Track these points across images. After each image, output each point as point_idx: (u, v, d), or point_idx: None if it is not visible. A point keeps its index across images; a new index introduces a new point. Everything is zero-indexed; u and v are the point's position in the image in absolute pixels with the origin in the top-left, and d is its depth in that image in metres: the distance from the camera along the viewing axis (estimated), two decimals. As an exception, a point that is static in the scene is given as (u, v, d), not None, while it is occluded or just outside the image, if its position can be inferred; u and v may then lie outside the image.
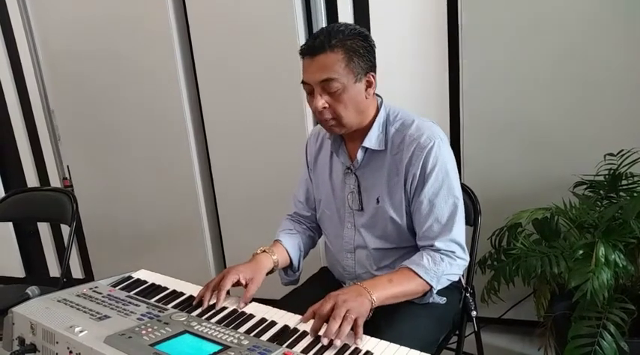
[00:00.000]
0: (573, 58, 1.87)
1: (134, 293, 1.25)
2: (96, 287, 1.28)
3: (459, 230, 1.31)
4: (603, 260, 1.45)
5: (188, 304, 1.19)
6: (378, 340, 1.03)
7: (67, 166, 2.86)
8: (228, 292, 1.22)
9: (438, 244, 1.28)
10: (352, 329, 1.05)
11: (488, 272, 1.86)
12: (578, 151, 1.91)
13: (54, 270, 3.17)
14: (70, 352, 1.02)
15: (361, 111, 1.30)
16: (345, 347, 1.01)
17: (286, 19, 2.15)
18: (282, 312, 1.14)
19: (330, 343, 1.01)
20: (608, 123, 1.87)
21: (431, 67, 2.12)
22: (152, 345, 0.97)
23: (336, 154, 1.42)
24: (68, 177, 2.87)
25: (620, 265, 1.47)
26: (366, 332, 1.06)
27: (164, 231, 2.68)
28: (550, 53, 1.89)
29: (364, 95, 1.28)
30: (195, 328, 1.06)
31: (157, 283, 1.31)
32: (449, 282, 1.31)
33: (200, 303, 1.19)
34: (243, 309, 1.17)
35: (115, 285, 1.31)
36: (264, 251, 1.38)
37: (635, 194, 1.68)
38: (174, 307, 1.18)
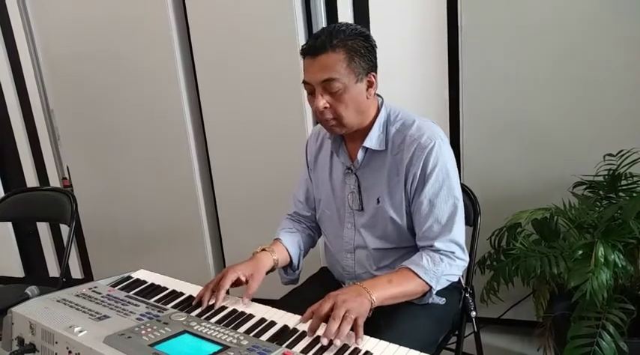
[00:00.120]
0: (573, 58, 1.87)
1: (133, 294, 1.25)
2: (95, 287, 1.28)
3: (459, 230, 1.31)
4: (602, 260, 1.45)
5: (188, 304, 1.19)
6: (378, 340, 1.03)
7: (67, 166, 2.86)
8: (227, 292, 1.22)
9: (437, 244, 1.28)
10: (352, 329, 1.04)
11: (488, 272, 1.86)
12: (578, 151, 1.91)
13: (53, 270, 3.17)
14: (70, 352, 1.01)
15: (362, 112, 1.30)
16: (344, 347, 1.01)
17: (286, 19, 2.15)
18: (282, 312, 1.14)
19: (330, 343, 1.01)
20: (607, 123, 1.88)
21: (431, 68, 2.12)
22: (151, 345, 0.97)
23: (337, 154, 1.42)
24: (68, 177, 2.87)
25: (620, 265, 1.47)
26: (365, 333, 1.05)
27: (164, 232, 2.68)
28: (550, 53, 1.89)
29: (365, 95, 1.28)
30: (195, 328, 1.06)
31: (157, 283, 1.31)
32: (448, 283, 1.31)
33: (199, 303, 1.19)
34: (243, 309, 1.17)
35: (114, 285, 1.31)
36: (264, 249, 1.38)
37: (634, 194, 1.68)
38: (174, 307, 1.18)
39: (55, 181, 2.99)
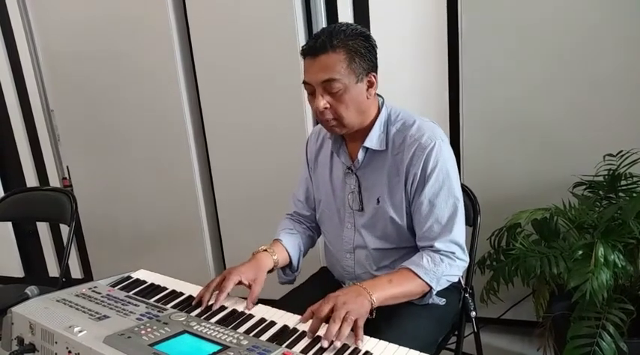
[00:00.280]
0: (573, 58, 1.87)
1: (133, 293, 1.25)
2: (95, 287, 1.28)
3: (459, 231, 1.31)
4: (602, 260, 1.45)
5: (187, 304, 1.19)
6: (378, 340, 1.03)
7: (67, 166, 2.86)
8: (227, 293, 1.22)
9: (437, 245, 1.28)
10: (352, 330, 1.04)
11: (488, 272, 1.86)
12: (578, 151, 1.91)
13: (53, 270, 3.17)
14: (69, 352, 1.01)
15: (362, 112, 1.30)
16: (344, 347, 1.01)
17: (286, 19, 2.15)
18: (282, 312, 1.14)
19: (330, 344, 1.01)
20: (607, 123, 1.88)
21: (431, 67, 2.12)
22: (151, 345, 0.97)
23: (337, 154, 1.42)
24: (68, 177, 2.87)
25: (620, 265, 1.47)
26: (365, 333, 1.05)
27: (164, 232, 2.68)
28: (550, 53, 1.89)
29: (365, 95, 1.28)
30: (195, 328, 1.06)
31: (157, 283, 1.31)
32: (448, 283, 1.31)
33: (199, 303, 1.18)
34: (242, 309, 1.16)
35: (114, 285, 1.31)
36: (264, 250, 1.38)
37: (634, 194, 1.68)
38: (174, 307, 1.18)
39: (55, 181, 2.99)
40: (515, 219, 1.71)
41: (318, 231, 1.60)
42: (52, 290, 1.26)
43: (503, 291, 1.84)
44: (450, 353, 1.53)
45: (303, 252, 1.52)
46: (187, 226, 2.61)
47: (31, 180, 3.02)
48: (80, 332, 1.03)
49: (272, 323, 1.10)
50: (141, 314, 1.12)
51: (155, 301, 1.21)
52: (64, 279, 2.05)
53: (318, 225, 1.58)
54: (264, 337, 1.04)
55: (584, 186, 1.81)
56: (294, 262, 1.46)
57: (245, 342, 0.99)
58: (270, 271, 1.37)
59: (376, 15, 2.15)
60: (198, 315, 1.14)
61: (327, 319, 1.06)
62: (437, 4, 2.05)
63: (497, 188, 2.04)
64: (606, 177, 1.74)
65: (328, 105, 1.25)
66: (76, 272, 3.09)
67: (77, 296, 1.22)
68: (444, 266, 1.27)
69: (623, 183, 1.73)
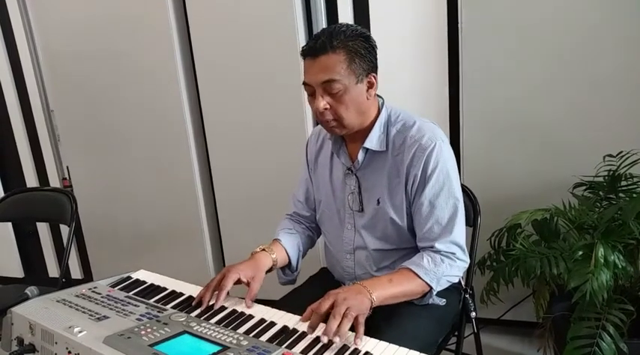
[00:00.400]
0: (573, 58, 1.87)
1: (133, 294, 1.25)
2: (95, 287, 1.28)
3: (460, 231, 1.31)
4: (602, 261, 1.45)
5: (187, 304, 1.19)
6: (378, 340, 1.03)
7: (67, 167, 2.86)
8: (227, 292, 1.22)
9: (438, 246, 1.28)
10: (352, 327, 1.04)
11: (488, 273, 1.86)
12: (578, 152, 1.91)
13: (53, 270, 3.17)
14: (69, 352, 1.01)
15: (362, 113, 1.30)
16: (344, 347, 1.01)
17: (286, 19, 2.15)
18: (282, 313, 1.14)
19: (330, 342, 1.01)
20: (607, 123, 1.88)
21: (431, 67, 2.12)
22: (151, 346, 0.97)
23: (337, 155, 1.42)
24: (68, 178, 2.86)
25: (620, 266, 1.47)
26: (365, 333, 1.05)
27: (164, 232, 2.68)
28: (550, 53, 1.89)
29: (365, 96, 1.28)
30: (195, 328, 1.06)
31: (156, 283, 1.31)
32: (449, 284, 1.31)
33: (199, 304, 1.18)
34: (242, 309, 1.16)
35: (114, 286, 1.31)
36: (263, 249, 1.38)
37: (634, 195, 1.68)
38: (174, 307, 1.18)
39: (54, 181, 2.98)
40: (516, 219, 1.71)
41: (317, 231, 1.60)
42: (52, 291, 1.26)
43: (503, 292, 1.84)
44: (450, 353, 1.53)
45: (303, 252, 1.52)
46: (187, 226, 2.61)
47: (31, 180, 3.02)
48: (80, 332, 1.03)
49: (272, 324, 1.09)
50: (141, 315, 1.12)
51: (155, 301, 1.21)
52: (64, 280, 2.05)
53: (318, 226, 1.58)
54: (264, 337, 1.04)
55: (584, 187, 1.81)
56: (294, 262, 1.46)
57: (245, 343, 0.99)
58: (269, 271, 1.37)
59: (376, 15, 2.15)
60: (198, 316, 1.14)
61: (328, 316, 1.06)
62: (437, 4, 2.05)
63: (498, 188, 2.04)
64: (606, 177, 1.74)
65: (328, 106, 1.25)
66: (76, 272, 3.09)
67: (77, 296, 1.22)
68: (444, 266, 1.27)
69: (623, 183, 1.72)
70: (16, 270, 3.17)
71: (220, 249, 2.67)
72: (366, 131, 1.34)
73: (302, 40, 2.16)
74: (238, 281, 1.26)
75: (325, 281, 1.56)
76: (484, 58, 1.96)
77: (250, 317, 1.13)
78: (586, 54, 1.85)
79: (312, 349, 1.00)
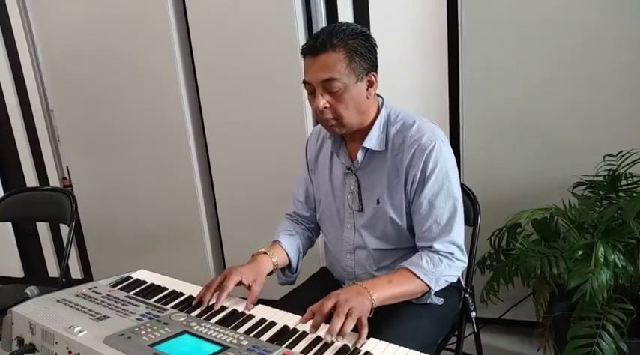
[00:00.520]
0: (573, 58, 1.87)
1: (133, 294, 1.25)
2: (95, 287, 1.28)
3: (458, 232, 1.31)
4: (602, 260, 1.45)
5: (188, 304, 1.19)
6: (378, 340, 1.03)
7: (67, 166, 2.86)
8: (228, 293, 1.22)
9: (437, 246, 1.28)
10: (355, 328, 1.04)
11: (488, 272, 1.86)
12: (578, 152, 1.91)
13: (53, 270, 3.17)
14: (70, 352, 1.01)
15: (362, 112, 1.30)
16: (344, 347, 1.01)
17: (286, 19, 2.15)
18: (282, 312, 1.14)
19: (331, 342, 1.01)
20: (607, 123, 1.88)
21: (431, 67, 2.12)
22: (151, 345, 0.97)
23: (337, 154, 1.42)
24: (67, 177, 2.86)
25: (620, 265, 1.47)
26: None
27: (164, 231, 2.68)
28: (550, 53, 1.89)
29: (365, 95, 1.28)
30: (195, 328, 1.06)
31: (157, 283, 1.31)
32: (447, 283, 1.31)
33: (199, 303, 1.18)
34: (242, 309, 1.16)
35: (114, 285, 1.31)
36: (264, 253, 1.38)
37: (634, 194, 1.68)
38: (174, 307, 1.18)
39: (54, 181, 2.99)
40: (516, 219, 1.71)
41: (317, 231, 1.60)
42: (52, 291, 1.26)
43: (503, 291, 1.84)
44: (450, 353, 1.53)
45: (302, 253, 1.52)
46: (187, 226, 2.61)
47: (31, 180, 3.02)
48: (80, 332, 1.03)
49: (272, 324, 1.09)
50: (141, 315, 1.12)
51: (155, 301, 1.21)
52: (64, 279, 2.05)
53: (318, 226, 1.58)
54: (265, 337, 1.04)
55: (584, 186, 1.81)
56: (293, 263, 1.46)
57: (245, 342, 0.99)
58: (269, 274, 1.37)
59: (376, 15, 2.15)
60: (199, 315, 1.14)
61: (329, 316, 1.06)
62: (437, 4, 2.05)
63: (498, 188, 2.04)
64: (606, 177, 1.74)
65: (328, 105, 1.25)
66: (76, 272, 3.09)
67: (77, 296, 1.22)
68: (442, 266, 1.27)
69: (623, 183, 1.73)
70: (16, 270, 3.17)
71: (220, 248, 2.67)
72: (365, 130, 1.34)
73: (302, 40, 2.16)
74: (239, 283, 1.26)
75: (325, 280, 1.56)
76: (484, 58, 1.96)
77: (250, 316, 1.13)
78: (586, 54, 1.85)
79: (312, 349, 1.00)
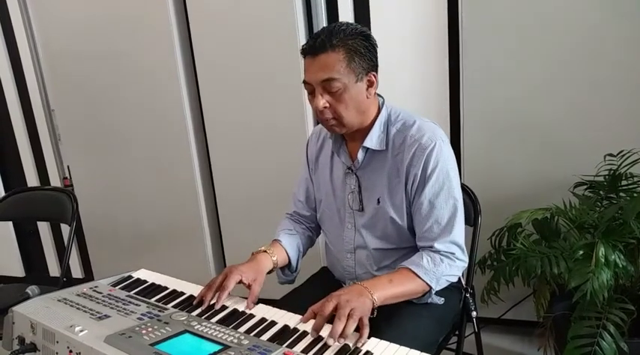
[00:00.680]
0: (573, 58, 1.87)
1: (134, 293, 1.25)
2: (96, 286, 1.29)
3: (459, 231, 1.31)
4: (603, 260, 1.45)
5: (188, 304, 1.19)
6: (378, 340, 1.03)
7: (67, 166, 2.86)
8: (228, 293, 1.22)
9: (437, 246, 1.29)
10: (357, 329, 1.05)
11: (488, 272, 1.86)
12: (579, 151, 1.91)
13: (54, 270, 3.17)
14: (70, 351, 1.02)
15: (362, 111, 1.30)
16: (345, 347, 1.01)
17: (287, 18, 2.15)
18: (283, 312, 1.14)
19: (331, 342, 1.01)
20: (608, 123, 1.88)
21: (431, 67, 2.12)
22: (152, 345, 0.97)
23: (337, 154, 1.42)
24: (68, 177, 2.87)
25: (620, 265, 1.47)
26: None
27: (164, 231, 2.69)
28: (550, 53, 1.89)
29: (365, 95, 1.28)
30: (196, 328, 1.06)
31: (157, 283, 1.31)
32: (448, 283, 1.31)
33: (200, 303, 1.18)
34: (243, 309, 1.17)
35: (115, 285, 1.31)
36: (264, 251, 1.38)
37: (635, 194, 1.68)
38: (175, 307, 1.18)
39: (55, 181, 2.99)
40: (516, 218, 1.71)
41: (317, 231, 1.60)
42: (53, 290, 1.26)
43: (503, 291, 1.84)
44: (450, 353, 1.53)
45: (302, 252, 1.52)
46: (188, 225, 2.62)
47: (32, 179, 3.02)
48: (81, 331, 1.03)
49: (273, 323, 1.10)
50: (142, 314, 1.12)
51: (156, 301, 1.21)
52: (64, 279, 2.05)
53: (318, 225, 1.58)
54: (265, 337, 1.04)
55: (584, 186, 1.81)
56: (293, 262, 1.46)
57: (246, 342, 0.99)
58: (269, 272, 1.37)
59: (377, 14, 2.15)
60: (199, 315, 1.14)
61: (331, 317, 1.06)
62: (437, 4, 2.05)
63: (498, 188, 2.04)
64: (607, 177, 1.74)
65: (328, 105, 1.25)
66: (76, 271, 3.09)
67: (78, 295, 1.22)
68: (443, 266, 1.27)
69: (623, 183, 1.73)
70: (16, 270, 3.17)
71: (221, 248, 2.67)
72: (366, 130, 1.34)
73: (302, 40, 2.16)
74: (239, 282, 1.26)
75: (326, 280, 1.56)
76: (484, 58, 1.96)
77: (251, 316, 1.13)
78: (586, 54, 1.85)
79: (312, 348, 1.00)
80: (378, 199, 1.36)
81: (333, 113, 1.26)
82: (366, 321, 1.06)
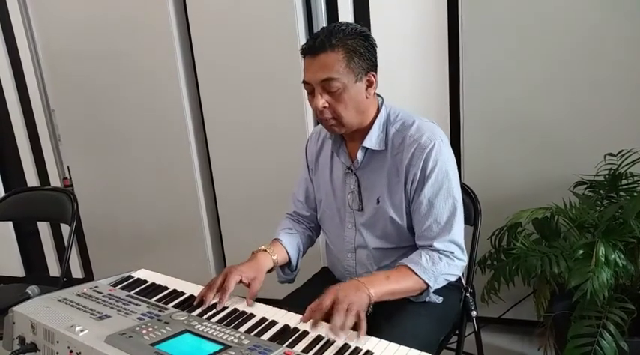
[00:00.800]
0: (573, 58, 1.87)
1: (134, 293, 1.26)
2: (96, 286, 1.29)
3: (458, 231, 1.31)
4: (603, 259, 1.45)
5: (189, 303, 1.19)
6: (378, 339, 1.03)
7: (67, 166, 2.86)
8: (229, 293, 1.23)
9: (436, 245, 1.29)
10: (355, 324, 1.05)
11: (488, 271, 1.86)
12: (579, 151, 1.91)
13: (54, 270, 3.17)
14: (71, 351, 1.02)
15: (362, 111, 1.30)
16: (345, 346, 1.01)
17: (286, 18, 2.15)
18: (283, 312, 1.15)
19: (332, 341, 1.01)
20: (608, 122, 1.88)
21: (431, 67, 2.12)
22: (153, 345, 0.97)
23: (337, 154, 1.42)
24: (68, 177, 2.87)
25: (620, 265, 1.47)
26: (366, 332, 1.06)
27: (164, 231, 2.69)
28: (550, 53, 1.89)
29: (365, 95, 1.28)
30: (196, 327, 1.06)
31: (158, 282, 1.32)
32: (446, 282, 1.31)
33: (201, 303, 1.19)
34: (243, 308, 1.17)
35: (115, 285, 1.31)
36: (264, 250, 1.38)
37: (635, 194, 1.68)
38: (175, 306, 1.18)
39: (55, 181, 2.99)
40: (516, 218, 1.71)
41: (317, 231, 1.60)
42: (53, 290, 1.26)
43: (503, 291, 1.84)
44: (450, 352, 1.53)
45: (302, 251, 1.52)
46: (188, 225, 2.62)
47: (32, 179, 3.02)
48: (82, 331, 1.03)
49: (273, 323, 1.10)
50: (142, 314, 1.12)
51: (156, 300, 1.21)
52: (65, 279, 2.06)
53: (318, 225, 1.58)
54: (265, 336, 1.04)
55: (584, 186, 1.81)
56: (293, 261, 1.46)
57: (246, 341, 0.99)
58: (269, 271, 1.37)
59: (377, 14, 2.15)
60: (200, 315, 1.14)
61: (330, 311, 1.07)
62: (437, 3, 2.05)
63: (498, 188, 2.04)
64: (607, 176, 1.74)
65: (327, 105, 1.25)
66: (76, 271, 3.09)
67: (78, 295, 1.22)
68: (442, 265, 1.27)
69: (623, 182, 1.73)
70: (17, 270, 3.17)
71: (221, 248, 2.67)
72: (365, 130, 1.34)
73: (302, 40, 2.17)
74: (239, 282, 1.26)
75: (326, 280, 1.55)
76: (484, 58, 1.96)
77: (251, 315, 1.13)
78: (586, 54, 1.85)
79: (312, 348, 1.00)
80: (378, 199, 1.36)
81: (333, 113, 1.26)
82: (363, 315, 1.07)
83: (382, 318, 1.23)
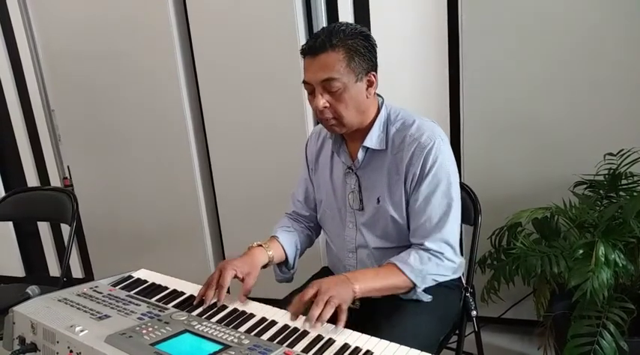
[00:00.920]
0: (573, 57, 1.87)
1: (134, 293, 1.25)
2: (96, 286, 1.29)
3: (452, 230, 1.31)
4: (603, 259, 1.45)
5: (189, 303, 1.19)
6: (378, 339, 1.03)
7: (68, 166, 2.86)
8: (227, 290, 1.22)
9: (428, 244, 1.29)
10: (336, 316, 1.07)
11: (488, 271, 1.86)
12: (578, 151, 1.91)
13: (54, 270, 3.17)
14: (71, 351, 1.02)
15: (362, 111, 1.30)
16: (345, 346, 1.01)
17: (286, 18, 2.15)
18: (283, 312, 1.14)
19: (331, 340, 1.01)
20: (608, 122, 1.88)
21: (431, 67, 2.12)
22: (153, 345, 0.97)
23: (337, 154, 1.42)
24: (68, 177, 2.87)
25: (620, 264, 1.47)
26: (366, 332, 1.06)
27: (164, 231, 2.69)
28: (550, 53, 1.89)
29: (365, 95, 1.28)
30: (196, 327, 1.06)
31: (157, 282, 1.31)
32: (435, 282, 1.31)
33: (201, 303, 1.19)
34: (243, 308, 1.17)
35: (115, 285, 1.31)
36: (260, 245, 1.39)
37: (634, 193, 1.69)
38: (175, 306, 1.18)
39: (55, 181, 2.99)
40: (516, 218, 1.71)
41: (316, 230, 1.60)
42: (53, 290, 1.26)
43: (503, 290, 1.84)
44: (450, 352, 1.53)
45: (300, 250, 1.52)
46: (188, 225, 2.62)
47: (32, 179, 3.02)
48: (82, 331, 1.03)
49: (273, 323, 1.10)
50: (142, 314, 1.12)
51: (156, 300, 1.21)
52: (65, 279, 2.05)
53: (317, 225, 1.59)
54: (265, 336, 1.04)
55: (584, 185, 1.81)
56: (290, 259, 1.46)
57: (246, 341, 0.99)
58: (264, 266, 1.37)
59: (377, 15, 2.15)
60: (199, 315, 1.14)
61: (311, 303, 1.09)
62: (437, 4, 2.05)
63: (498, 187, 2.04)
64: (607, 176, 1.74)
65: (328, 105, 1.25)
66: (76, 271, 3.09)
67: (78, 295, 1.22)
68: (430, 265, 1.27)
69: (623, 182, 1.73)
70: (17, 270, 3.17)
71: (221, 248, 2.67)
72: (365, 130, 1.34)
73: (302, 40, 2.17)
74: (234, 277, 1.26)
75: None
76: (484, 58, 1.96)
77: (251, 315, 1.13)
78: (586, 54, 1.85)
79: (312, 348, 1.00)
80: (378, 198, 1.36)
81: (333, 113, 1.26)
82: (344, 307, 1.08)
83: (382, 318, 1.23)
